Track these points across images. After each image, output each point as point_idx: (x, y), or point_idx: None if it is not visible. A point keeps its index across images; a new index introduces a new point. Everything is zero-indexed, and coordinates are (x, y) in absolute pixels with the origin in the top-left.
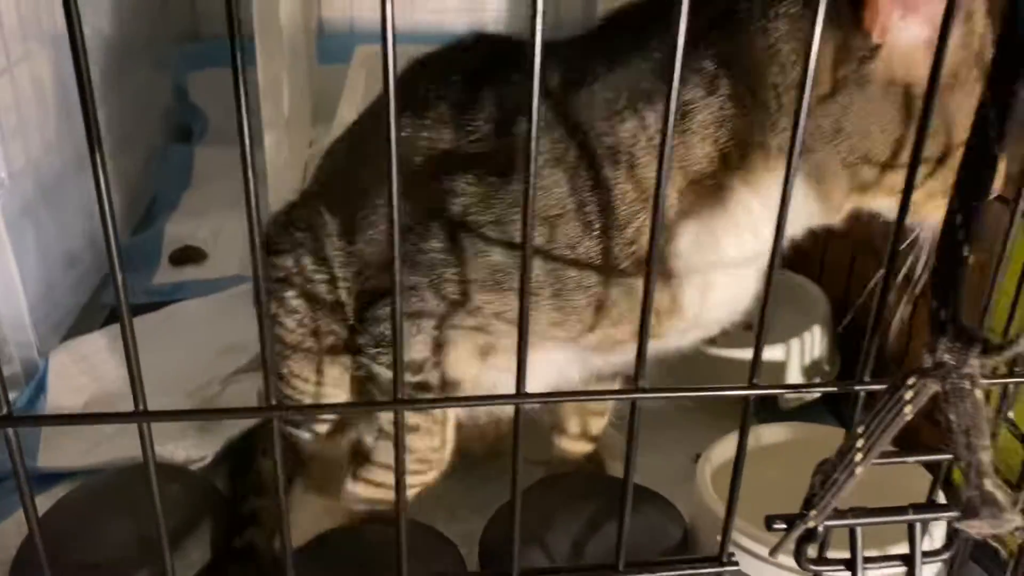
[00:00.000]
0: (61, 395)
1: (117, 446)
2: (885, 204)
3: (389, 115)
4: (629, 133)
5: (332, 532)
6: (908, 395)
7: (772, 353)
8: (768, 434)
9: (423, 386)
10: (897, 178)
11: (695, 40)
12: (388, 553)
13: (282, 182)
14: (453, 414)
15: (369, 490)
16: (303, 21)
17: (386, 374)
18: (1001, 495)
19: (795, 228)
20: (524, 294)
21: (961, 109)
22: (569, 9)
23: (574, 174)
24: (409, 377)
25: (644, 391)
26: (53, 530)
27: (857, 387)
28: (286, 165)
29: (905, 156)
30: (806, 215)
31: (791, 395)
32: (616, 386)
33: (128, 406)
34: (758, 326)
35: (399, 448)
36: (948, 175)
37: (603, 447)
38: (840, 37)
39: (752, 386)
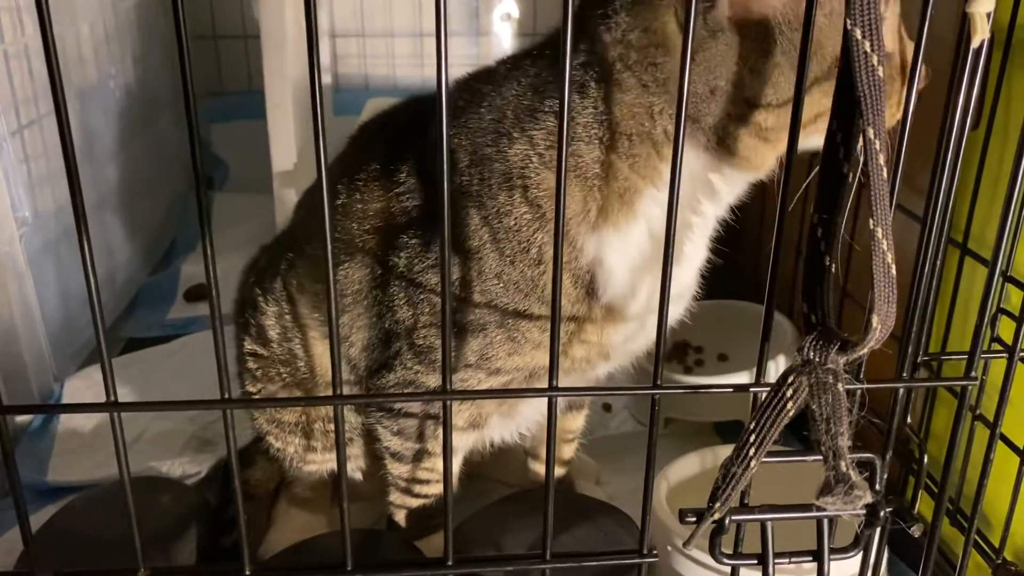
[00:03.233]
0: (73, 418)
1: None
2: (803, 142)
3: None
4: (519, 156)
5: (312, 539)
6: (789, 392)
7: (739, 380)
8: (726, 454)
9: (424, 453)
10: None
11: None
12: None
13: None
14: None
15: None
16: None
17: (388, 440)
18: (854, 475)
19: (727, 198)
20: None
21: (827, 33)
22: None
23: (480, 204)
24: (407, 443)
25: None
26: (56, 532)
27: (753, 388)
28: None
29: (786, 89)
30: (730, 182)
31: None
32: (583, 415)
33: (135, 428)
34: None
35: (339, 438)
36: (828, 90)
37: (573, 470)
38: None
39: (656, 387)
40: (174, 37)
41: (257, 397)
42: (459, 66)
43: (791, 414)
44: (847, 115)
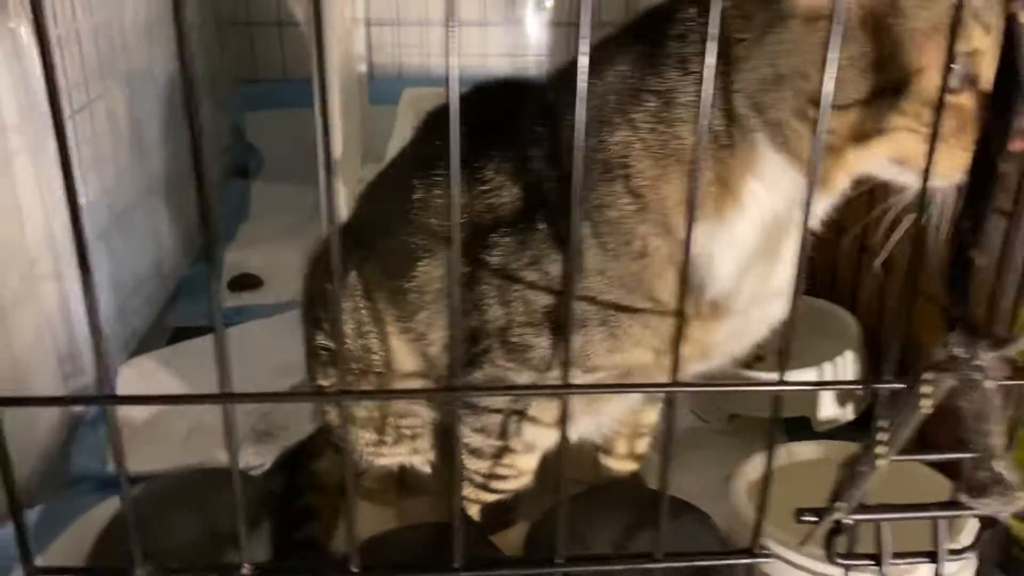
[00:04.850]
0: (128, 408)
1: (183, 453)
2: (871, 162)
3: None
4: (620, 143)
5: (386, 533)
6: (927, 390)
7: (805, 377)
8: (801, 451)
9: (506, 450)
10: (855, 119)
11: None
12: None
13: (336, 221)
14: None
15: (468, 490)
16: (354, 65)
17: (469, 436)
18: (1010, 476)
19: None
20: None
21: (911, 32)
22: None
23: (580, 199)
24: (489, 440)
25: (784, 383)
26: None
27: (880, 386)
28: (340, 199)
29: (853, 92)
30: (796, 191)
31: (825, 417)
32: (657, 410)
33: (190, 420)
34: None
35: (455, 433)
36: (922, 111)
37: (645, 466)
38: None
39: (782, 383)
40: (207, 24)
41: (371, 389)
42: (499, 55)
43: (927, 412)
44: (1004, 107)
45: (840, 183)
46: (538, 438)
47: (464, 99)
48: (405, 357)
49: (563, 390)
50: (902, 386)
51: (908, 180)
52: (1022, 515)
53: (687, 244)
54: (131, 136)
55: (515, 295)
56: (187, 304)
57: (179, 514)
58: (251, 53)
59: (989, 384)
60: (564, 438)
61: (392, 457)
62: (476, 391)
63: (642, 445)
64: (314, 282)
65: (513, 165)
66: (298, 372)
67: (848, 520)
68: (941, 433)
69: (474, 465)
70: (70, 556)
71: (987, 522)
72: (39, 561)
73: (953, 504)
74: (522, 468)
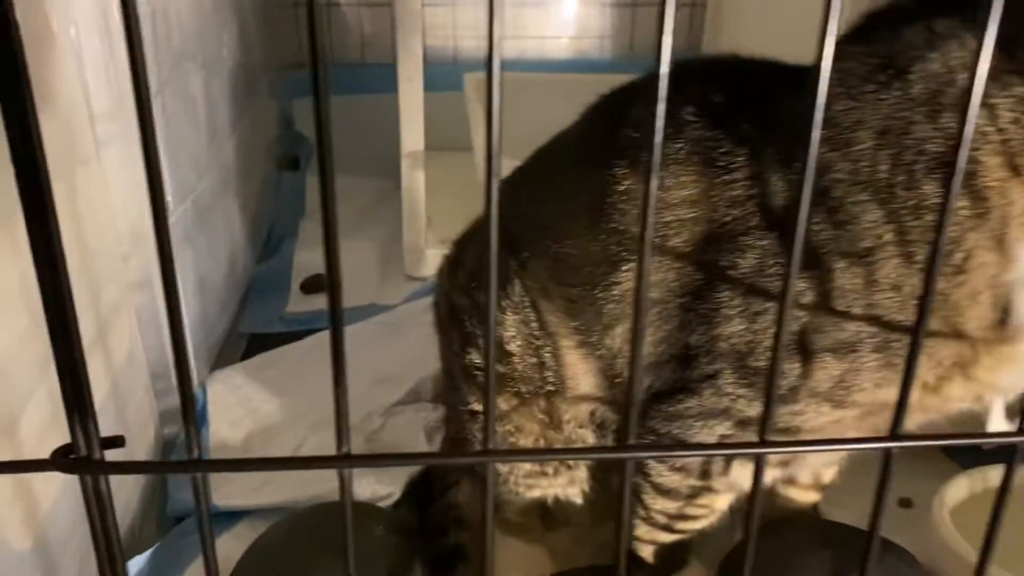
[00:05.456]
0: (222, 428)
1: (285, 483)
2: None
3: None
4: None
5: None
6: None
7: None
8: (994, 474)
9: (705, 490)
10: None
11: None
12: None
13: (417, 210)
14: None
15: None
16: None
17: (665, 475)
18: None
19: None
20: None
21: None
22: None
23: (888, 195)
24: (688, 480)
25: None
26: (262, 568)
27: None
28: (422, 192)
29: None
30: None
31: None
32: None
33: (290, 441)
34: None
35: (756, 493)
36: None
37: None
38: None
39: None
40: (257, 5)
41: (659, 444)
42: (560, 37)
43: None
44: None
45: None
46: (747, 478)
47: (683, 77)
48: (582, 375)
49: (890, 443)
50: None
51: None
52: None
53: None
54: (208, 125)
55: (767, 309)
56: (258, 308)
57: (315, 556)
58: (297, 36)
59: None
60: (882, 495)
61: (548, 488)
62: (780, 448)
63: (830, 474)
64: (456, 294)
65: (773, 151)
66: (399, 383)
67: None
68: None
69: (661, 505)
70: None
71: None
72: None
73: None
74: (716, 508)
